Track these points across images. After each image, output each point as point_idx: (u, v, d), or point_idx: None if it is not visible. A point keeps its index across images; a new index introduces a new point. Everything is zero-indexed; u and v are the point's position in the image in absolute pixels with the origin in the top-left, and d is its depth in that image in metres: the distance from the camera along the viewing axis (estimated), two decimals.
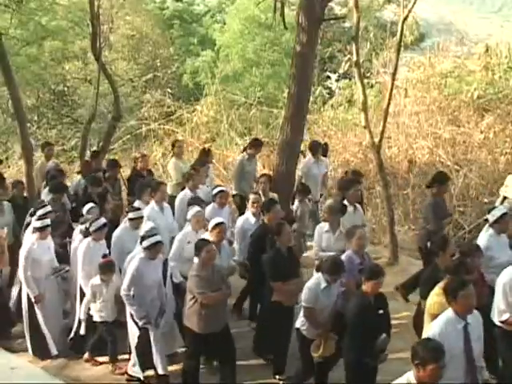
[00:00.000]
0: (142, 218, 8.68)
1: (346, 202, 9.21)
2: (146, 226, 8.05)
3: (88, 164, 11.97)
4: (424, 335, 6.18)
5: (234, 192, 11.40)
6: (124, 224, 8.83)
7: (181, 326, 7.94)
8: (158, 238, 7.67)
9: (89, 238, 8.36)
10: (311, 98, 14.59)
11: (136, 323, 7.67)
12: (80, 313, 8.36)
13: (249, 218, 9.07)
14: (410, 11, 11.40)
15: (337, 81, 22.60)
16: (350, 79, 19.27)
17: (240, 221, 9.16)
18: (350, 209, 9.13)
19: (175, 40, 25.91)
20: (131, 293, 7.57)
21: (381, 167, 11.42)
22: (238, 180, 11.46)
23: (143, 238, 7.67)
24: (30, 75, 20.49)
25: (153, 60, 23.70)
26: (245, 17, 22.96)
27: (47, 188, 10.41)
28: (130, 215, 8.69)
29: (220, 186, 10.16)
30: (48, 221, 8.60)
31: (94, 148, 17.10)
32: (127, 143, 18.80)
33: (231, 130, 17.53)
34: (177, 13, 26.93)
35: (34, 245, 8.48)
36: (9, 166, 17.67)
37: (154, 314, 7.67)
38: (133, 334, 7.79)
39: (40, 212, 8.67)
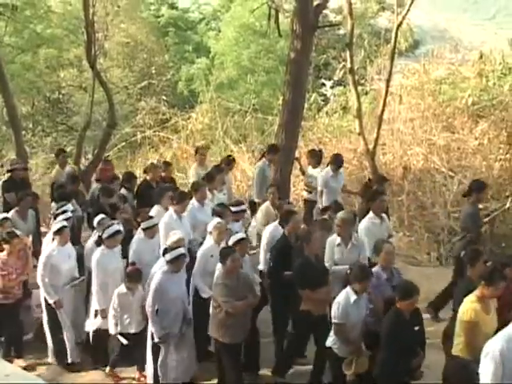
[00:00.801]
0: (155, 226, 8.49)
1: (371, 212, 8.97)
2: (173, 237, 7.88)
3: (106, 170, 11.65)
4: (456, 347, 6.13)
5: (257, 200, 11.08)
6: (138, 235, 8.63)
7: (200, 339, 7.90)
8: (181, 250, 7.46)
9: (102, 246, 8.14)
10: (306, 105, 14.59)
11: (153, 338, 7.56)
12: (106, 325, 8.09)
13: (278, 227, 8.65)
14: (404, 18, 11.49)
15: (331, 88, 22.73)
16: (345, 86, 19.36)
17: (268, 230, 8.77)
18: (376, 220, 8.91)
19: (170, 47, 26.01)
20: (155, 308, 7.38)
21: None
22: (260, 187, 11.18)
23: (166, 251, 7.49)
24: (25, 83, 20.52)
25: (148, 67, 23.71)
26: (239, 24, 23.06)
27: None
28: (143, 225, 8.47)
29: (240, 201, 9.81)
30: (65, 222, 8.40)
31: (89, 156, 17.06)
32: (122, 150, 18.78)
33: (226, 137, 17.55)
34: (172, 20, 27.05)
35: (54, 251, 8.23)
36: (4, 174, 17.62)
37: (177, 326, 7.51)
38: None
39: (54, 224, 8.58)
